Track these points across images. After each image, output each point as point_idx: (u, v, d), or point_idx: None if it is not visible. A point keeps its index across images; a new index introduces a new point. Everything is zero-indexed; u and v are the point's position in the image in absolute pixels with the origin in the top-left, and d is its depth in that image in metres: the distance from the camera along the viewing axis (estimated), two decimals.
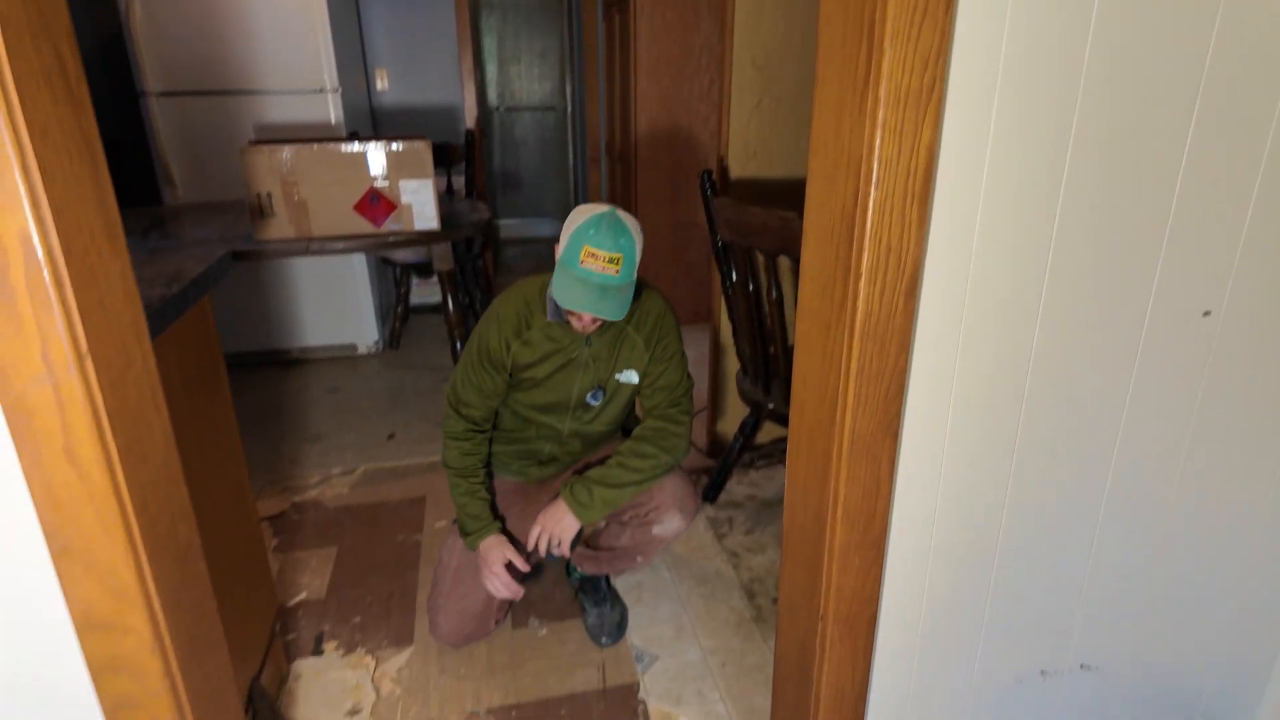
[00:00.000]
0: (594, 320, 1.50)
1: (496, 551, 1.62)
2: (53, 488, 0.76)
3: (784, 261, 2.03)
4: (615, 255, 1.39)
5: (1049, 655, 1.21)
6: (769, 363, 2.00)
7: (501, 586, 1.62)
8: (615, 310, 1.41)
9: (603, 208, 1.42)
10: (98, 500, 0.77)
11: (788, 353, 1.98)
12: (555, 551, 1.61)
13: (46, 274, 0.69)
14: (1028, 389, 1.01)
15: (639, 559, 1.75)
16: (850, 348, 0.93)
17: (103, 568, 0.80)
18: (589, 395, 1.64)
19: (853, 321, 0.92)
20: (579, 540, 1.84)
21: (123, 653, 0.84)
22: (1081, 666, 1.23)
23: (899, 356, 0.94)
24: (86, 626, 0.82)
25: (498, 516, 1.70)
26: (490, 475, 1.75)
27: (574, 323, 1.52)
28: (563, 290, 1.42)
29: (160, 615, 0.84)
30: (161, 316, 1.07)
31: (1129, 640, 1.24)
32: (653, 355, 1.62)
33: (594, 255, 1.39)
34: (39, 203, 0.68)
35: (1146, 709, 1.31)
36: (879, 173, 0.87)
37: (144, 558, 0.82)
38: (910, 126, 0.85)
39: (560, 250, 1.44)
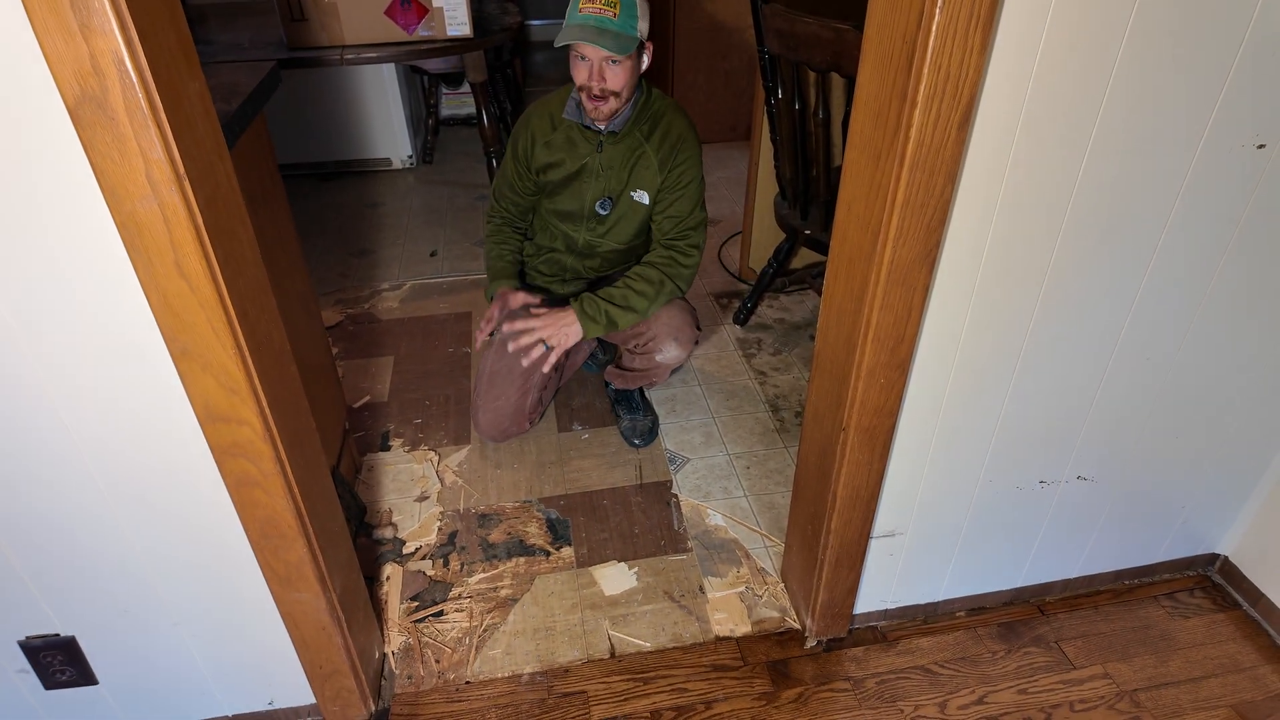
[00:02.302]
0: (604, 95, 1.52)
1: (514, 294, 1.74)
2: (168, 297, 0.85)
3: (834, 78, 1.96)
4: None
5: (1050, 468, 1.33)
6: (809, 186, 1.99)
7: (495, 314, 1.73)
8: (614, 45, 1.45)
9: None
10: (207, 308, 0.86)
11: (830, 176, 1.97)
12: (551, 350, 1.67)
13: (141, 96, 0.73)
14: (1067, 219, 1.03)
15: (654, 380, 1.91)
16: (899, 178, 0.95)
17: (217, 368, 0.91)
18: (598, 204, 1.70)
19: (903, 151, 0.93)
20: (605, 360, 1.97)
21: (240, 440, 0.98)
22: (1079, 477, 1.36)
23: (945, 187, 0.96)
24: (208, 418, 0.95)
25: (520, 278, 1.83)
26: (522, 260, 1.86)
27: (586, 103, 1.56)
28: (562, 35, 1.47)
29: (268, 409, 0.97)
30: (227, 133, 1.10)
31: (1126, 458, 1.35)
32: (665, 181, 1.65)
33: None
34: (125, 24, 0.70)
35: (1131, 515, 1.45)
36: None
37: (249, 359, 0.92)
38: None
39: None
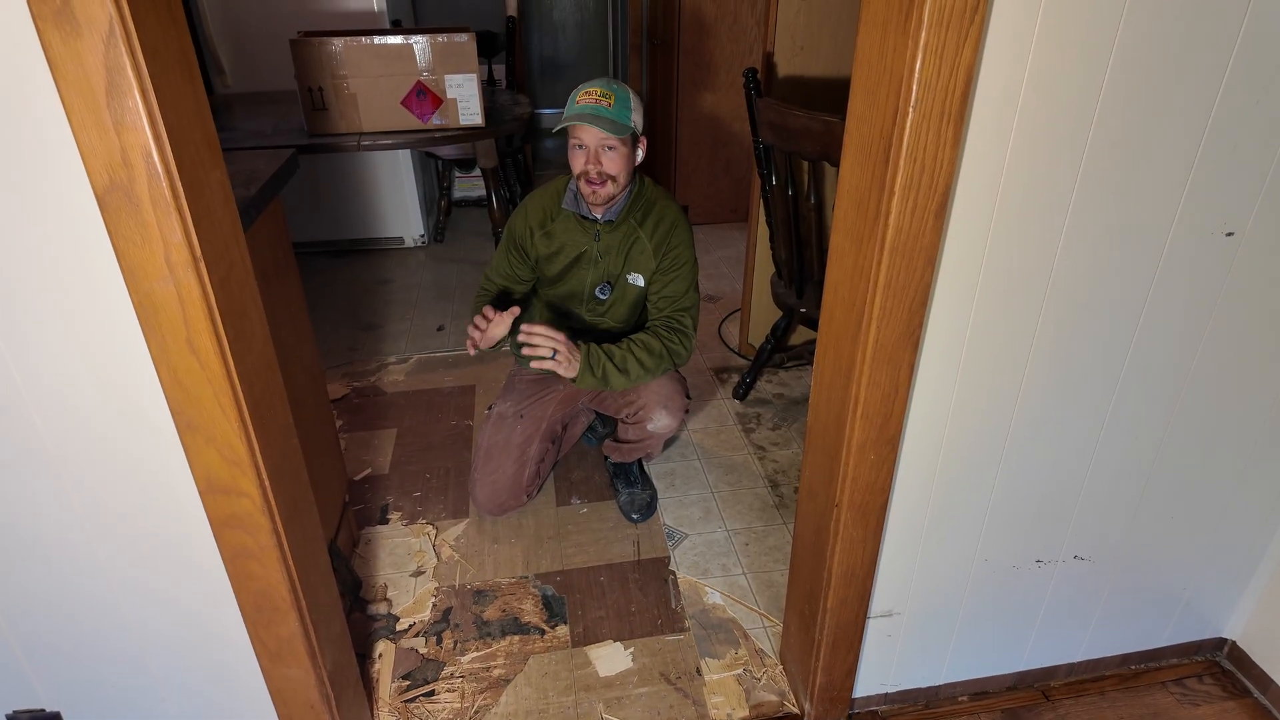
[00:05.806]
0: (602, 179, 1.60)
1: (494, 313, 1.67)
2: (178, 373, 0.88)
3: (825, 164, 2.04)
4: (608, 91, 1.55)
5: (1045, 546, 1.32)
6: (803, 267, 2.05)
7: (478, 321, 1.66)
8: (609, 127, 1.54)
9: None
10: (215, 384, 0.90)
11: (823, 257, 2.03)
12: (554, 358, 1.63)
13: (165, 186, 0.79)
14: (1046, 302, 1.07)
15: (649, 451, 1.93)
16: (880, 262, 0.99)
17: (220, 441, 0.93)
18: (598, 289, 1.76)
19: (883, 237, 0.98)
20: (605, 433, 1.98)
21: (238, 512, 0.99)
22: (1075, 557, 1.35)
23: (925, 271, 1.00)
24: (209, 490, 0.97)
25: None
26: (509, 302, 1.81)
27: (584, 189, 1.63)
28: (561, 123, 1.56)
29: (267, 482, 0.99)
30: (244, 216, 1.16)
31: (1122, 537, 1.34)
32: (660, 264, 1.72)
33: (588, 93, 1.56)
34: (155, 120, 0.76)
35: (1133, 597, 1.43)
36: (918, 93, 0.90)
37: (253, 433, 0.95)
38: (951, 48, 0.88)
39: None
